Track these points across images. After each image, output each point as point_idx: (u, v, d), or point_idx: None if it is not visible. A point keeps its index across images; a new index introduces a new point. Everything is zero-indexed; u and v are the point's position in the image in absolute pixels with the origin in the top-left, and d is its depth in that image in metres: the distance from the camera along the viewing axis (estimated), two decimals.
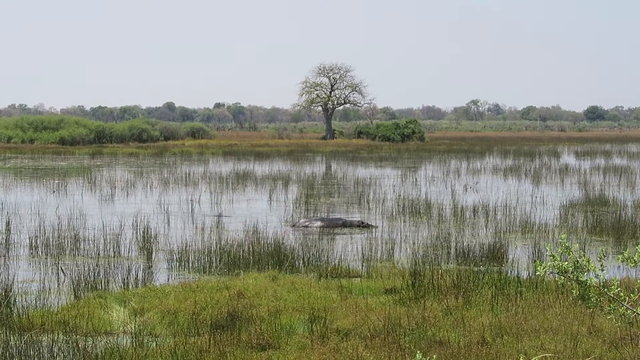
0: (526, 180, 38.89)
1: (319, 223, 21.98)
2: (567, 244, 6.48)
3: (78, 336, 10.23)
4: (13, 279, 13.44)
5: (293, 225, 22.27)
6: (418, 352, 6.15)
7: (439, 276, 13.33)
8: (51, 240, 18.23)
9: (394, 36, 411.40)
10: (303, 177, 38.73)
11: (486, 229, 21.66)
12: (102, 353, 9.53)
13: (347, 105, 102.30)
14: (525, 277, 13.92)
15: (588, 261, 6.51)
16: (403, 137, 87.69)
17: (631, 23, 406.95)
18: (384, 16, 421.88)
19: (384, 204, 27.37)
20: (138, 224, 20.40)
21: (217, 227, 21.67)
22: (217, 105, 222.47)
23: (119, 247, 17.83)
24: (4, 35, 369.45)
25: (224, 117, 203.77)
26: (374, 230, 21.47)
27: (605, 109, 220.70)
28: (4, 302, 11.82)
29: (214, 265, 16.00)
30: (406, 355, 9.38)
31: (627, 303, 6.67)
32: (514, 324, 10.65)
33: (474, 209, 24.98)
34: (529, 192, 32.14)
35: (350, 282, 13.99)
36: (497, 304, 11.93)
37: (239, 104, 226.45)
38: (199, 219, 23.38)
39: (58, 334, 10.39)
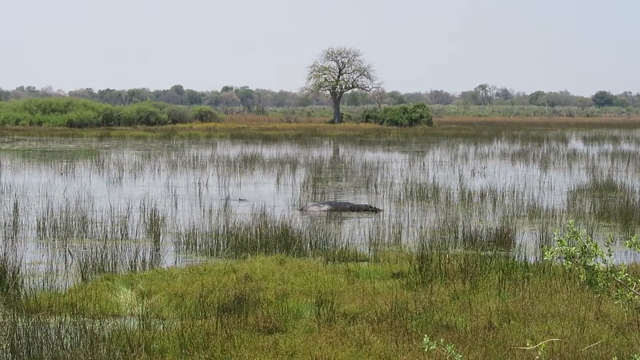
0: (534, 165, 38.81)
1: (326, 207, 21.97)
2: (574, 229, 6.46)
3: (85, 318, 10.24)
4: (21, 261, 13.48)
5: (301, 209, 22.28)
6: (425, 336, 6.15)
7: (446, 260, 13.32)
8: (59, 222, 18.25)
9: (403, 20, 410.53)
10: (311, 161, 38.71)
11: (494, 214, 21.63)
12: (109, 335, 9.54)
13: (355, 89, 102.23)
14: (532, 262, 13.90)
15: (595, 246, 6.49)
16: (411, 122, 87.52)
17: None
18: (393, 0, 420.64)
19: (391, 188, 27.35)
20: (146, 207, 20.42)
21: (225, 210, 21.68)
22: (225, 89, 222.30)
23: (126, 229, 17.85)
24: (12, 18, 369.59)
25: (232, 101, 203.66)
26: (381, 214, 21.46)
27: (614, 94, 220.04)
28: (11, 284, 11.86)
29: (221, 248, 16.01)
30: (413, 340, 9.38)
31: (635, 288, 6.65)
32: (521, 309, 10.64)
33: (482, 194, 24.95)
34: (536, 177, 32.08)
35: (358, 266, 13.97)
36: (504, 288, 11.92)
37: (247, 87, 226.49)
38: (207, 202, 23.39)
39: (65, 316, 10.41)
